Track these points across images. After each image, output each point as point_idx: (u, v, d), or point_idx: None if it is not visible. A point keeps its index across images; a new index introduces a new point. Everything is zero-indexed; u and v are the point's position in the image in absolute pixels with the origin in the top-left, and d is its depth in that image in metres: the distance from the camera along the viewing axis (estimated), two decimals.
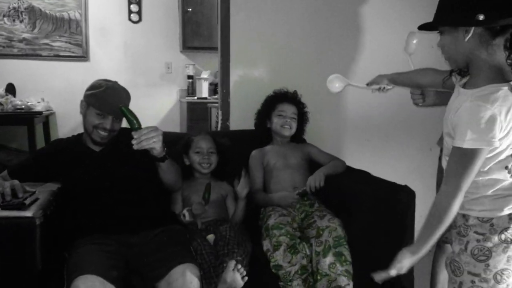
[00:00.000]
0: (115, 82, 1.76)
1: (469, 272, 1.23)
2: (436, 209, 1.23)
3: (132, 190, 1.71)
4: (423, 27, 1.29)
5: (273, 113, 2.13)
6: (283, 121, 2.10)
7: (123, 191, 1.69)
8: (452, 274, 1.29)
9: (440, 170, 1.87)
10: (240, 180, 1.90)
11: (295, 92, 2.23)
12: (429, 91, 1.78)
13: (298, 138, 2.21)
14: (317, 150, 2.17)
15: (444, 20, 1.22)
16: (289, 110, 2.13)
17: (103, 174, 1.71)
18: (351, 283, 1.57)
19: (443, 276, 1.92)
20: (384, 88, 1.80)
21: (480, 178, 1.22)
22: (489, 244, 1.20)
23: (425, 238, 1.25)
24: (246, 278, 1.51)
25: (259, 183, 2.04)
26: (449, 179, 1.21)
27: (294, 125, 2.13)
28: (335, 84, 1.91)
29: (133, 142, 1.50)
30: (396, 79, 1.75)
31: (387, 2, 2.66)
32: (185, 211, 1.77)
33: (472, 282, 1.23)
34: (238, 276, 1.48)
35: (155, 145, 1.54)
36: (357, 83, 1.90)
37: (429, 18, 1.30)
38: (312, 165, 2.09)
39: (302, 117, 2.22)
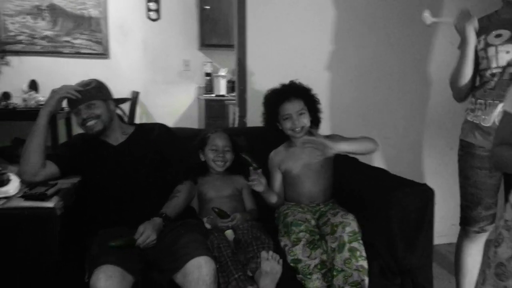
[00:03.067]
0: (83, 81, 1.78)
1: None
2: None
3: (150, 184, 1.73)
4: None
5: (279, 117, 1.93)
6: (292, 125, 1.89)
7: (140, 185, 1.71)
8: (496, 277, 1.19)
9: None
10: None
11: (292, 84, 1.96)
12: None
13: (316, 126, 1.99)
14: (340, 138, 1.91)
15: None
16: (294, 108, 1.89)
17: (121, 168, 1.73)
18: (367, 279, 1.56)
19: (471, 262, 1.91)
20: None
21: None
22: None
23: None
24: (281, 260, 1.55)
25: (277, 187, 1.96)
26: None
27: (306, 121, 1.91)
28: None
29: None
30: None
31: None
32: (206, 223, 1.80)
33: None
34: (275, 263, 1.52)
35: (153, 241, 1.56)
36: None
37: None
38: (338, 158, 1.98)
39: (312, 105, 1.95)
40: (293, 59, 2.54)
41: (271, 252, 1.56)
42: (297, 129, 1.90)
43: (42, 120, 1.67)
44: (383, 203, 1.69)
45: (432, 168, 2.82)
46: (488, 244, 1.63)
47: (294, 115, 1.89)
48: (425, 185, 1.71)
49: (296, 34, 2.53)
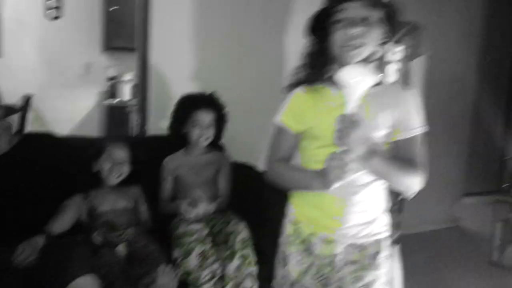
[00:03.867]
0: None
1: None
2: None
3: (33, 199, 1.66)
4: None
5: (189, 121, 1.98)
6: (200, 132, 1.97)
7: (23, 201, 1.64)
8: None
9: None
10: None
11: (212, 95, 2.04)
12: None
13: (215, 144, 2.09)
14: (226, 169, 2.05)
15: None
16: (206, 118, 1.98)
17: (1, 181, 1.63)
18: (257, 284, 1.64)
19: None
20: None
21: None
22: None
23: None
24: (177, 276, 1.58)
25: (167, 193, 2.00)
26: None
27: (212, 133, 2.01)
28: None
29: None
30: None
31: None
32: (94, 238, 1.71)
33: None
34: (170, 278, 1.55)
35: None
36: None
37: None
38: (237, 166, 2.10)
39: (220, 121, 2.05)
40: (199, 63, 2.49)
41: (168, 267, 1.57)
42: (202, 138, 1.97)
43: None
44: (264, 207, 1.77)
45: None
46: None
47: (204, 124, 1.98)
48: None
49: (202, 37, 2.48)
